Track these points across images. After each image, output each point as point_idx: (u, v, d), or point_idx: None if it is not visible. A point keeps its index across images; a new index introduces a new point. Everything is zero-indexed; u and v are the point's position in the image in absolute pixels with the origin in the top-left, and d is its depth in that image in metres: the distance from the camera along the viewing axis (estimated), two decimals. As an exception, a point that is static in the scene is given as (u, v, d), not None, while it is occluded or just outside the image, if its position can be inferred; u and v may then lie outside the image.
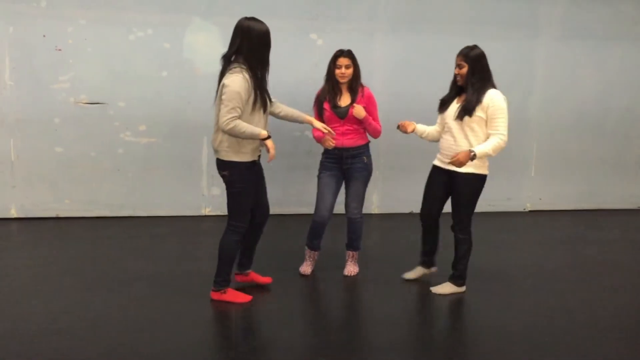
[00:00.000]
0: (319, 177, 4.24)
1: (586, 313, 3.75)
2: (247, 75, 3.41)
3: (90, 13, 5.30)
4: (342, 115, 4.07)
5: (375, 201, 6.16)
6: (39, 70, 5.30)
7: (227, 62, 3.50)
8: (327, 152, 4.20)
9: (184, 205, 5.80)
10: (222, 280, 3.75)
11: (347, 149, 4.12)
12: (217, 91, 3.55)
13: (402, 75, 5.93)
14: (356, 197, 4.18)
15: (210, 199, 5.83)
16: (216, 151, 3.59)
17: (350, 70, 4.07)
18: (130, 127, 5.54)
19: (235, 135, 3.44)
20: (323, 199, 4.15)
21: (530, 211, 6.53)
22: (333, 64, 4.10)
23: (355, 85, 4.14)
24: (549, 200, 6.58)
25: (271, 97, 3.68)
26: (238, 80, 3.37)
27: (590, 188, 6.65)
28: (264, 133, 3.48)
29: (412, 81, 5.92)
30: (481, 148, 3.73)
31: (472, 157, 3.70)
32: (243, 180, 3.57)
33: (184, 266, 4.40)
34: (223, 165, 3.57)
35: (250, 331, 3.48)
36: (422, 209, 4.10)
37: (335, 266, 4.40)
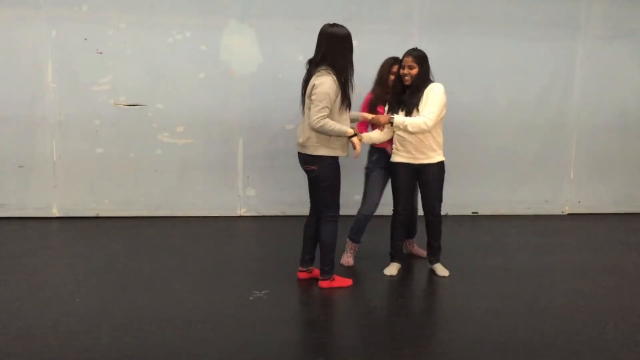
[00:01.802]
0: (368, 173, 4.42)
1: (625, 318, 3.66)
2: (334, 78, 3.65)
3: (130, 17, 5.41)
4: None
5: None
6: (80, 72, 5.43)
7: (314, 65, 3.73)
8: (378, 150, 4.35)
9: (220, 206, 5.86)
10: (329, 269, 3.99)
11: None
12: (303, 92, 3.82)
13: (438, 76, 5.78)
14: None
15: (246, 199, 5.88)
16: (303, 146, 3.81)
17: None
18: (168, 129, 5.63)
19: (324, 133, 3.68)
20: (372, 194, 4.35)
21: (569, 214, 6.40)
22: (390, 68, 4.27)
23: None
24: (589, 203, 6.44)
25: None
26: (327, 82, 3.62)
27: (632, 191, 6.49)
28: (351, 131, 3.76)
29: (448, 83, 5.82)
30: (401, 118, 3.97)
31: (391, 121, 3.96)
32: (333, 173, 3.82)
33: (220, 265, 4.45)
34: (311, 160, 3.80)
35: (303, 330, 3.50)
36: (401, 203, 4.26)
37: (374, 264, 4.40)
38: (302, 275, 4.14)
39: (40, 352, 3.05)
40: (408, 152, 4.12)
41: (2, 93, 5.37)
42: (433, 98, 3.98)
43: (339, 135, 3.72)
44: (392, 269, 4.36)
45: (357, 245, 4.54)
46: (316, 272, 4.16)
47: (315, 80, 3.66)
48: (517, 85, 6.05)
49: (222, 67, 5.60)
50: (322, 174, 3.80)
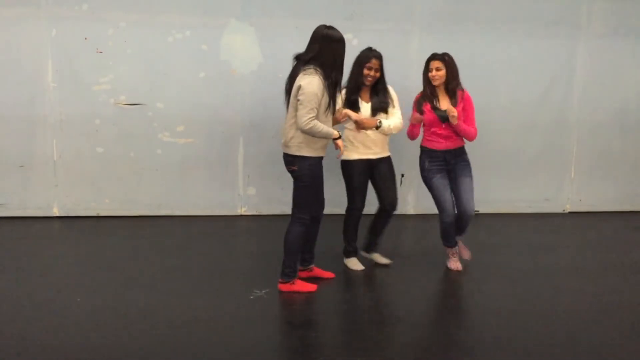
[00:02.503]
0: (429, 182, 4.33)
1: (627, 317, 3.65)
2: (321, 78, 3.62)
3: (130, 16, 5.40)
4: (443, 119, 4.16)
5: (411, 201, 6.11)
6: (81, 72, 5.43)
7: (302, 63, 3.70)
8: (431, 156, 4.30)
9: (220, 205, 5.86)
10: (290, 271, 3.90)
11: (450, 151, 4.27)
12: (287, 89, 3.83)
13: (439, 74, 5.86)
14: (470, 192, 4.29)
15: (246, 198, 5.87)
16: (287, 146, 3.77)
17: (441, 73, 4.09)
18: (168, 128, 5.63)
19: (311, 134, 3.66)
20: (445, 200, 4.29)
21: (570, 212, 6.39)
22: (426, 68, 4.24)
23: (451, 87, 4.18)
24: (590, 201, 6.43)
25: None
26: (315, 82, 3.59)
27: (633, 189, 6.47)
28: (336, 133, 3.75)
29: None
30: (386, 122, 4.17)
31: (378, 125, 4.13)
32: (312, 174, 3.77)
33: (221, 264, 4.45)
34: (293, 160, 3.76)
35: (304, 329, 3.50)
36: (360, 200, 4.29)
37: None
38: (302, 275, 4.10)
39: (41, 352, 3.05)
40: (368, 147, 4.21)
41: (3, 93, 5.37)
42: (396, 102, 4.31)
43: (325, 137, 3.70)
44: (357, 264, 4.39)
45: (456, 247, 4.47)
46: (316, 271, 4.16)
47: (302, 80, 3.61)
48: (518, 84, 6.03)
49: (222, 67, 5.60)
50: (302, 174, 3.75)
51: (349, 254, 4.46)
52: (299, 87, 3.61)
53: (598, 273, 4.48)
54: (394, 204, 4.31)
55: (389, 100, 4.26)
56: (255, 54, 5.62)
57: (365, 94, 4.22)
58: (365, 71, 4.11)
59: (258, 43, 5.61)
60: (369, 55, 4.13)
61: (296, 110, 3.66)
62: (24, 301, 3.68)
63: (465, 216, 4.33)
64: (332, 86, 3.68)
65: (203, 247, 4.89)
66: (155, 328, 3.35)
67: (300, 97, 3.60)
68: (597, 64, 6.13)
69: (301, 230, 3.84)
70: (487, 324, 3.53)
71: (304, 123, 3.59)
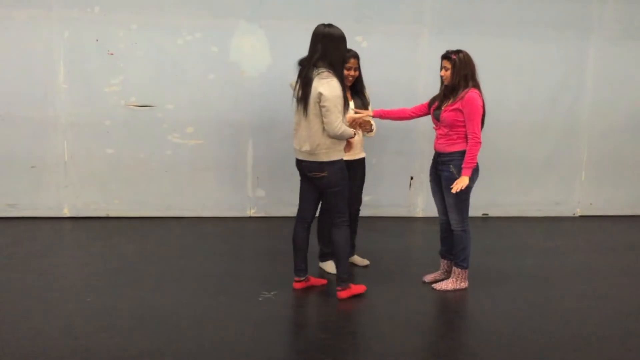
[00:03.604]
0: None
1: (638, 320, 3.64)
2: (337, 78, 3.58)
3: (141, 18, 5.43)
4: (437, 116, 4.01)
5: (420, 204, 6.10)
6: (92, 73, 5.46)
7: (312, 66, 3.61)
8: (432, 157, 4.15)
9: (229, 207, 5.87)
10: (347, 277, 3.88)
11: (438, 154, 4.04)
12: (299, 96, 3.67)
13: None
14: (450, 208, 3.99)
15: (255, 200, 5.88)
16: (313, 154, 3.68)
17: (448, 73, 3.95)
18: (178, 129, 5.65)
19: (340, 138, 3.65)
20: (436, 206, 4.18)
21: (580, 216, 6.35)
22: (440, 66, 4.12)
23: (451, 86, 3.95)
24: (600, 205, 6.39)
25: None
26: (337, 86, 3.55)
27: (644, 193, 6.43)
28: (353, 133, 3.74)
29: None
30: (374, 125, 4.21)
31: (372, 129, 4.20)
32: (343, 175, 3.77)
33: (230, 266, 4.45)
34: (321, 166, 3.69)
35: (312, 331, 3.50)
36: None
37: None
38: (299, 285, 4.00)
39: (50, 352, 3.06)
40: (355, 148, 4.16)
41: (15, 94, 5.41)
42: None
43: (348, 138, 3.70)
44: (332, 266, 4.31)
45: (445, 261, 4.31)
46: (313, 280, 4.07)
47: (321, 85, 3.53)
48: (528, 87, 6.01)
49: (232, 68, 5.61)
50: (333, 179, 3.71)
51: (325, 257, 4.43)
52: (320, 94, 3.53)
53: (608, 277, 4.45)
54: (358, 207, 4.37)
55: (368, 99, 4.27)
56: (265, 55, 5.63)
57: (347, 93, 4.17)
58: (345, 71, 4.01)
59: (268, 45, 5.62)
60: (347, 55, 4.00)
61: (319, 117, 3.59)
62: (34, 301, 3.70)
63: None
64: (343, 84, 3.65)
65: (212, 249, 4.90)
66: (164, 329, 3.36)
67: (325, 104, 3.52)
68: (608, 66, 6.09)
69: (347, 233, 3.83)
70: (495, 327, 3.51)
71: (337, 128, 3.55)
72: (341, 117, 3.58)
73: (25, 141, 5.50)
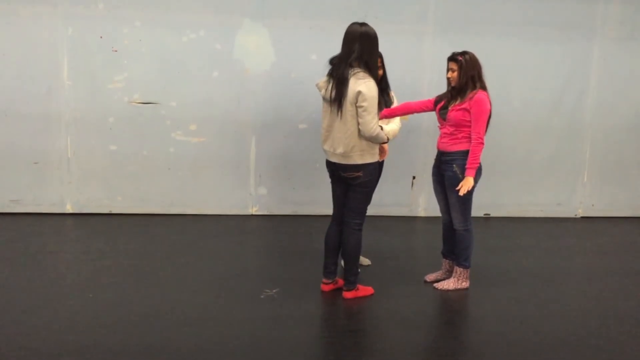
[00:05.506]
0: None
1: (638, 321, 3.64)
2: (374, 79, 3.52)
3: (145, 15, 5.44)
4: (443, 115, 3.99)
5: (422, 203, 6.10)
6: (96, 70, 5.47)
7: (347, 66, 3.50)
8: (436, 156, 4.12)
9: (232, 204, 5.88)
10: (355, 278, 3.87)
11: (441, 153, 4.02)
12: (332, 97, 3.54)
13: (452, 77, 5.84)
14: (454, 207, 4.00)
15: (258, 198, 5.89)
16: (347, 156, 3.61)
17: (454, 75, 3.92)
18: (181, 127, 5.66)
19: (374, 141, 3.61)
20: (439, 205, 4.18)
21: (582, 217, 6.35)
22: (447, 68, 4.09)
23: (459, 87, 3.92)
24: (603, 206, 6.39)
25: None
26: (373, 87, 3.49)
27: (646, 195, 6.43)
28: (385, 137, 3.72)
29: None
30: (390, 132, 4.09)
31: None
32: (374, 178, 3.77)
33: (232, 264, 4.46)
34: (356, 168, 3.63)
35: (314, 329, 3.51)
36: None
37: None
38: (327, 288, 3.95)
39: (53, 348, 3.08)
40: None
41: (18, 90, 5.42)
42: (394, 99, 4.31)
43: (381, 141, 3.66)
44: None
45: (446, 260, 4.31)
46: (341, 282, 3.99)
47: (359, 85, 3.45)
48: (531, 87, 6.01)
49: (235, 66, 5.62)
50: (366, 180, 3.67)
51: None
52: (359, 93, 3.44)
53: (610, 278, 4.45)
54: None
55: (392, 100, 4.23)
56: (269, 54, 5.64)
57: None
58: None
59: (272, 43, 5.62)
60: None
61: (355, 118, 3.52)
62: (37, 297, 3.71)
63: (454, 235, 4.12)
64: (379, 85, 3.61)
65: (214, 246, 4.91)
66: (166, 326, 3.37)
67: (363, 104, 3.45)
68: (612, 68, 6.09)
69: (360, 237, 3.80)
70: (497, 327, 3.52)
71: (373, 129, 3.50)
72: (377, 119, 3.54)
73: (28, 137, 5.51)
